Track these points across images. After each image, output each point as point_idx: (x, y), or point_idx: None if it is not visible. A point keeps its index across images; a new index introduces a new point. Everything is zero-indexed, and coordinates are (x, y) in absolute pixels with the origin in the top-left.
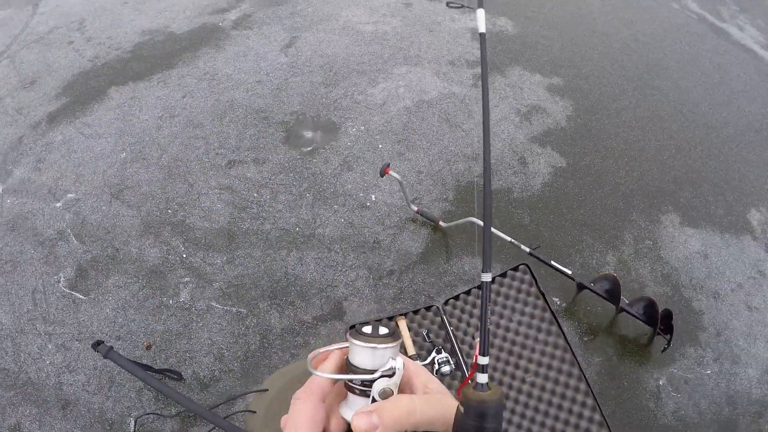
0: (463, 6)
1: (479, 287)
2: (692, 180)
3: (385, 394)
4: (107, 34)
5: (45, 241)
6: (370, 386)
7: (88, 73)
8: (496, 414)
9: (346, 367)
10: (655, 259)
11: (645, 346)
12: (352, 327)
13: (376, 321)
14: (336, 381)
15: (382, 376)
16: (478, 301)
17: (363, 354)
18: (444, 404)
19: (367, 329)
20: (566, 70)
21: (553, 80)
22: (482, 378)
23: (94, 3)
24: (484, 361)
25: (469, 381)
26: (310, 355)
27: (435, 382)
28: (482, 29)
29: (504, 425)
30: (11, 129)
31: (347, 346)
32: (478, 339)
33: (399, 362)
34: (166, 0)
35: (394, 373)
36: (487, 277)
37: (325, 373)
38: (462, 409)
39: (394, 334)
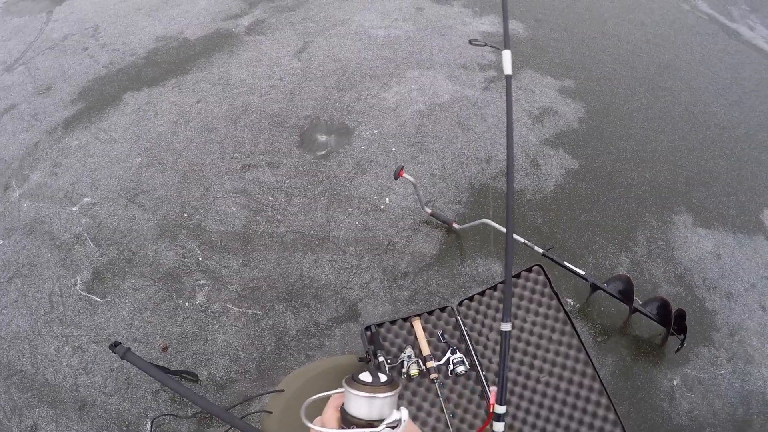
0: (486, 44)
1: (494, 288)
2: (704, 180)
3: None
4: (121, 41)
5: (62, 245)
6: None
7: (103, 79)
8: None
9: (341, 415)
10: (668, 260)
11: (659, 346)
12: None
13: (365, 360)
14: None
15: (386, 428)
16: (493, 302)
17: (360, 403)
18: None
19: (366, 377)
20: (577, 72)
21: (564, 83)
22: (499, 427)
23: (107, 10)
24: (501, 410)
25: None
26: (305, 404)
27: None
28: (508, 71)
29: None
30: (27, 134)
31: (342, 392)
32: (495, 387)
33: (404, 413)
34: (180, 6)
35: (398, 425)
36: (507, 327)
37: (325, 429)
38: None
39: (392, 382)
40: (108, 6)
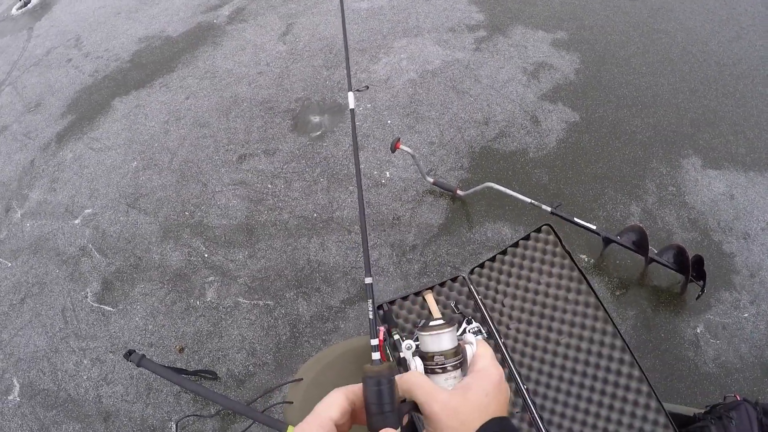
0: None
1: (503, 252)
2: (710, 120)
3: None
4: (104, 47)
5: (68, 259)
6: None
7: (91, 88)
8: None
9: (424, 358)
10: (681, 205)
11: (679, 294)
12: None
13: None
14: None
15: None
16: (504, 267)
17: (448, 337)
18: None
19: (432, 323)
20: (569, 23)
21: (557, 35)
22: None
23: (87, 18)
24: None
25: None
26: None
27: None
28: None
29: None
30: (22, 154)
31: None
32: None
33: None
34: (159, 5)
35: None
36: (369, 280)
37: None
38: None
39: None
40: (87, 14)
